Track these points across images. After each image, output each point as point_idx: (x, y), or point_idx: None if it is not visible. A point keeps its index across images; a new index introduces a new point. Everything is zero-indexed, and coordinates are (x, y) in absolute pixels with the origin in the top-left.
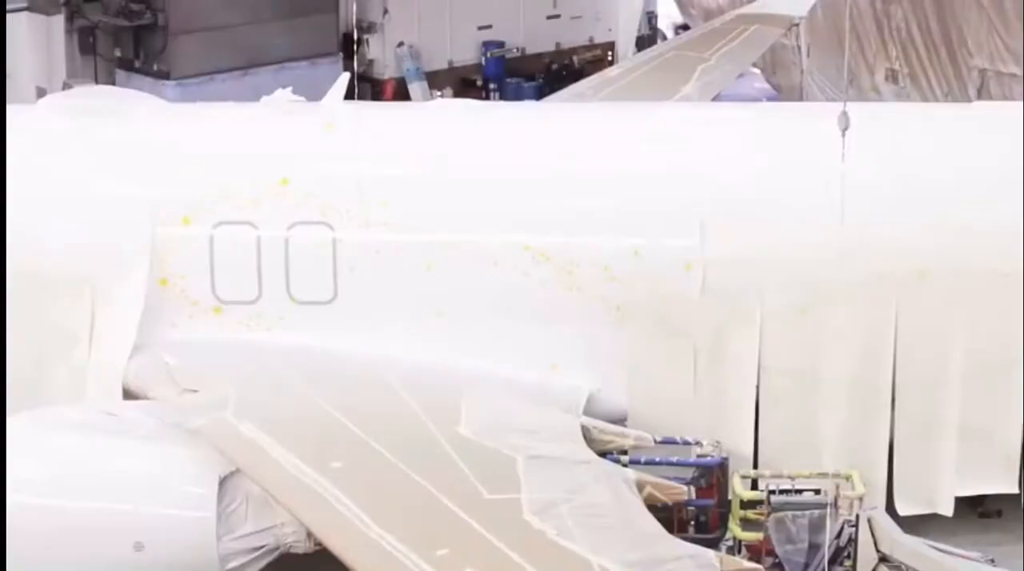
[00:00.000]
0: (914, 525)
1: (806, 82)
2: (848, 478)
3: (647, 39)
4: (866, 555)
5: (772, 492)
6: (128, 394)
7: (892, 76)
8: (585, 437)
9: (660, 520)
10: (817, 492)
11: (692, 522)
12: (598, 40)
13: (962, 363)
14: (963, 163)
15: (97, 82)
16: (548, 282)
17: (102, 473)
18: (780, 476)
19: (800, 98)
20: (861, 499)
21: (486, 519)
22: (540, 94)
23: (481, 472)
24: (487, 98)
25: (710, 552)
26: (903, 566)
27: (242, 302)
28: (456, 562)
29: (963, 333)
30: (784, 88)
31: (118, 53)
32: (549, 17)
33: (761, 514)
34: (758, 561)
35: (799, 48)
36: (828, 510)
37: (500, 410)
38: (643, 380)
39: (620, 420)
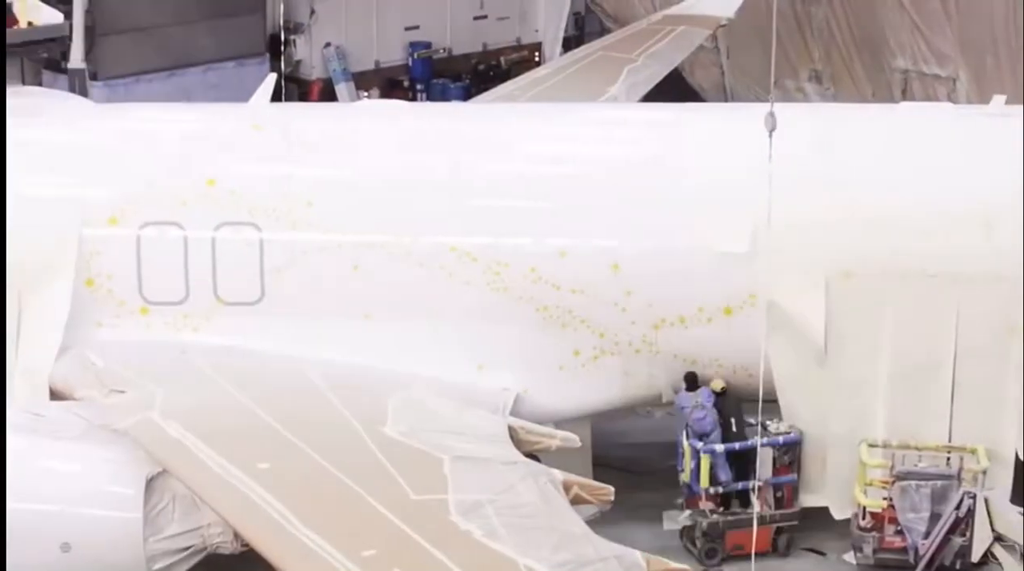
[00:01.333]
0: None
1: (729, 82)
2: (973, 452)
3: (574, 40)
4: (983, 533)
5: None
6: (55, 395)
7: (816, 77)
8: (512, 438)
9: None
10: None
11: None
12: (525, 41)
13: (889, 363)
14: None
15: (24, 83)
16: (475, 283)
17: (29, 474)
18: (907, 447)
19: (723, 99)
20: (984, 472)
21: (413, 519)
22: (467, 95)
23: (408, 473)
24: (414, 99)
25: (636, 553)
26: (1017, 546)
27: (169, 303)
28: (383, 562)
29: (889, 333)
30: (705, 89)
31: (45, 54)
32: (476, 18)
33: (887, 482)
34: (881, 528)
35: (719, 49)
36: (952, 482)
37: (427, 411)
38: (570, 379)
39: (547, 420)
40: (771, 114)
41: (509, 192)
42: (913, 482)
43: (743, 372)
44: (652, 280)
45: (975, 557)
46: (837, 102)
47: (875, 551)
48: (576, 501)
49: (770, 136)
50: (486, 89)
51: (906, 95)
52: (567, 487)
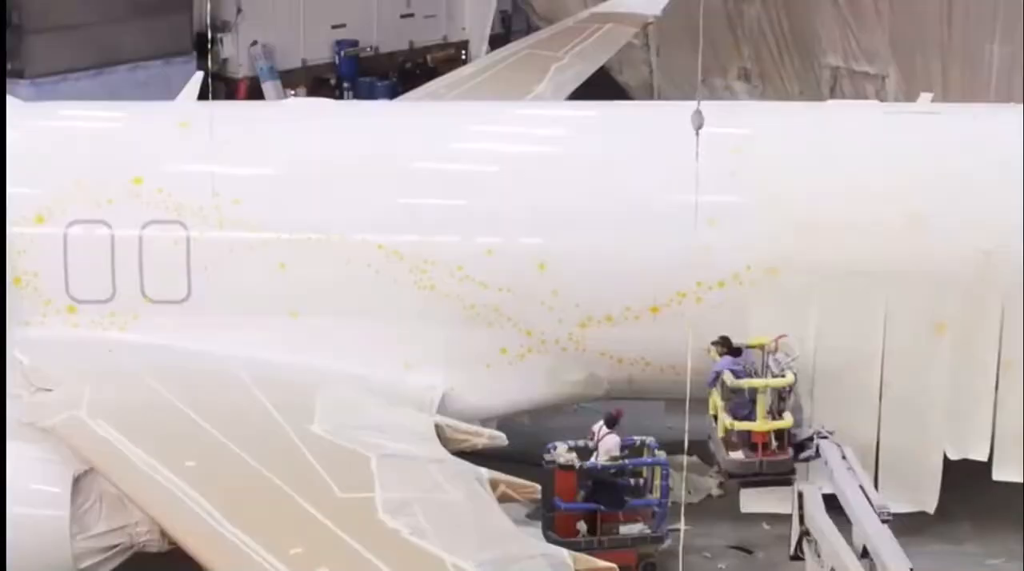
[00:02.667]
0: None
1: (657, 81)
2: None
3: (500, 38)
4: (795, 525)
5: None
6: None
7: (744, 75)
8: (439, 436)
9: None
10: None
11: None
12: (452, 39)
13: (812, 360)
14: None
15: None
16: (402, 281)
17: None
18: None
19: (651, 96)
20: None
21: (340, 518)
22: (394, 93)
23: (335, 471)
24: (341, 97)
25: (563, 551)
26: (816, 543)
27: (96, 301)
28: (310, 560)
29: (814, 330)
30: (633, 87)
31: None
32: (403, 16)
33: None
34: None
35: (648, 47)
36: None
37: (354, 409)
38: (498, 377)
39: (475, 418)
40: (698, 112)
41: (436, 190)
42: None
43: (670, 370)
44: (579, 279)
45: (791, 549)
46: (765, 99)
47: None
48: (503, 499)
49: (697, 134)
50: (413, 87)
51: (835, 92)
52: (494, 485)
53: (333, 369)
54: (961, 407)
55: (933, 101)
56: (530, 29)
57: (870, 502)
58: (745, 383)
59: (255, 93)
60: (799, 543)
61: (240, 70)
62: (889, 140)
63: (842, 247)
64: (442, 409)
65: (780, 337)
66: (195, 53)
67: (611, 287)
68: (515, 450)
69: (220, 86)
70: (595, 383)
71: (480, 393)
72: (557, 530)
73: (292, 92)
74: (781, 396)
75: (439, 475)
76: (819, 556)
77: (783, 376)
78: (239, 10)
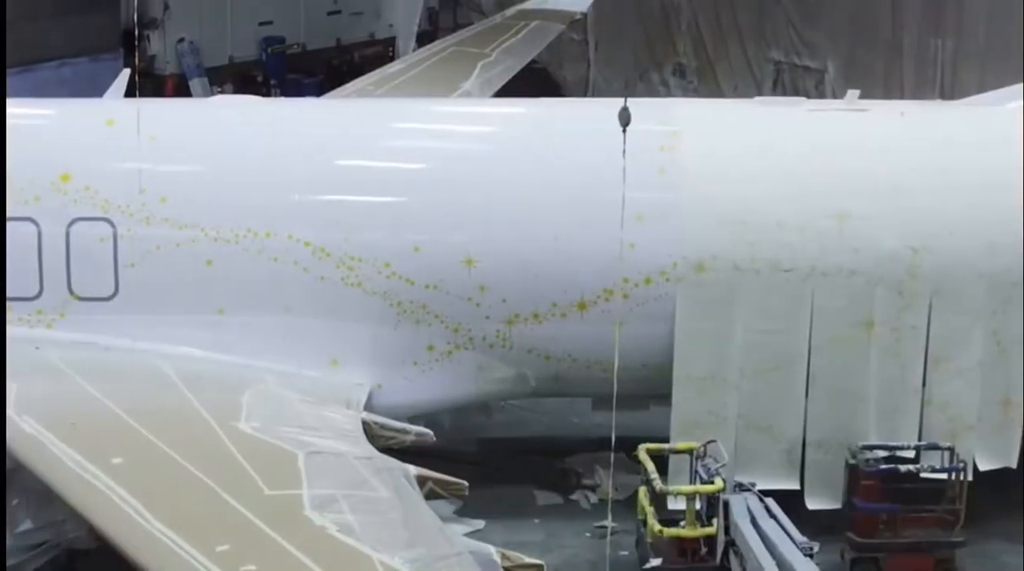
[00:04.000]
0: None
1: (593, 76)
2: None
3: (428, 35)
4: (720, 534)
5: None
6: None
7: (680, 70)
8: (367, 433)
9: None
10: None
11: None
12: (379, 36)
13: (739, 357)
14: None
15: None
16: (329, 278)
17: None
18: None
19: (586, 93)
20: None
21: (267, 515)
22: (321, 90)
23: (262, 468)
24: (268, 94)
25: (490, 547)
26: (741, 555)
27: (23, 298)
28: (237, 558)
29: (741, 328)
30: (571, 83)
31: None
32: (330, 13)
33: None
34: None
35: (587, 42)
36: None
37: (281, 406)
38: (424, 374)
39: (402, 415)
40: (625, 109)
41: (363, 187)
42: None
43: (597, 368)
44: (506, 276)
45: (717, 559)
46: (699, 96)
47: None
48: (431, 496)
49: (624, 131)
50: (340, 84)
51: (777, 87)
52: (421, 482)
53: (260, 366)
54: (889, 404)
55: (879, 98)
56: (457, 26)
57: (793, 542)
58: (674, 489)
59: (182, 90)
60: (725, 553)
61: (167, 67)
62: (816, 137)
63: (769, 245)
64: (369, 406)
65: (709, 442)
66: (122, 50)
67: (538, 284)
68: (443, 447)
69: (147, 83)
70: (522, 380)
71: (407, 390)
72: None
73: (219, 89)
74: (710, 502)
75: (366, 472)
76: (743, 568)
77: (711, 483)
78: (166, 7)
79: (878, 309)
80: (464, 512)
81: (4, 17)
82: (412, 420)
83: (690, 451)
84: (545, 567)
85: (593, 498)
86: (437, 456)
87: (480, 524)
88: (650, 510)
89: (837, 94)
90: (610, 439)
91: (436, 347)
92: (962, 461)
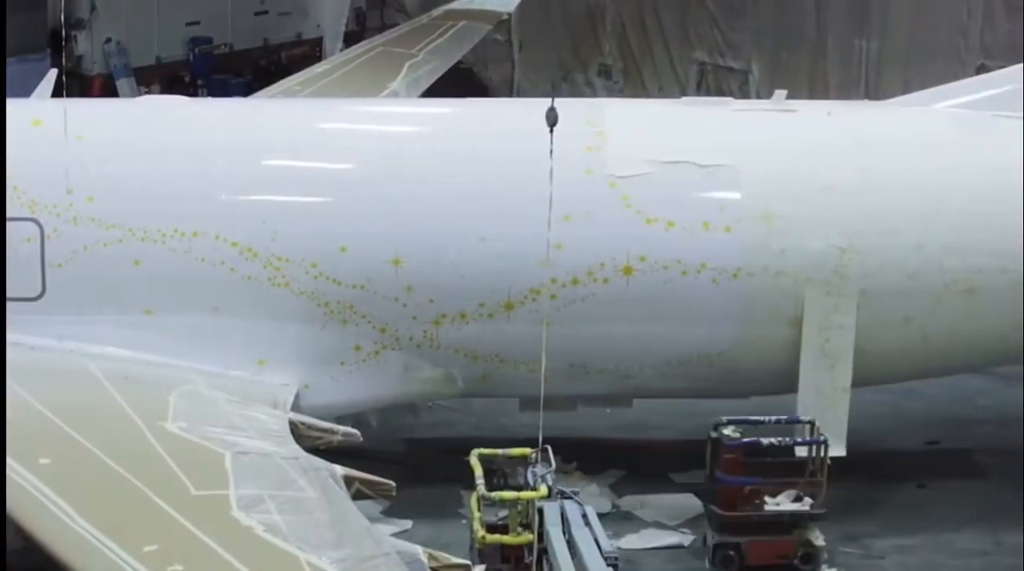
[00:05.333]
0: None
1: (518, 77)
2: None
3: (355, 35)
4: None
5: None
6: None
7: (605, 71)
8: (294, 433)
9: None
10: None
11: None
12: (306, 36)
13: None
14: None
15: None
16: (256, 278)
17: None
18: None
19: (511, 93)
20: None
21: (194, 515)
22: (248, 90)
23: (189, 468)
24: (195, 94)
25: (417, 548)
26: (553, 562)
27: None
28: (164, 558)
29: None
30: (496, 83)
31: None
32: (257, 13)
33: None
34: None
35: (512, 43)
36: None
37: (208, 406)
38: (351, 374)
39: (329, 415)
40: (552, 109)
41: (290, 187)
42: None
43: (524, 368)
44: (433, 276)
45: (533, 567)
46: (624, 97)
47: None
48: (358, 496)
49: (551, 131)
50: (267, 84)
51: (701, 88)
52: (348, 482)
53: (187, 366)
54: (817, 403)
55: (804, 98)
56: (384, 26)
57: (600, 550)
58: (496, 495)
59: (109, 90)
60: (540, 560)
61: (94, 67)
62: (742, 137)
63: (696, 244)
64: (296, 406)
65: (542, 449)
66: (49, 51)
67: (465, 284)
68: (370, 447)
69: (74, 83)
70: (449, 381)
71: (334, 390)
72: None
73: (146, 89)
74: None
75: (293, 472)
76: None
77: (535, 490)
78: (93, 8)
79: (805, 308)
80: (391, 512)
81: (4, 17)
82: (339, 420)
83: (524, 457)
84: (472, 567)
85: None
86: (364, 456)
87: (407, 524)
88: (477, 515)
89: (761, 95)
90: (537, 440)
91: (363, 347)
92: (823, 435)
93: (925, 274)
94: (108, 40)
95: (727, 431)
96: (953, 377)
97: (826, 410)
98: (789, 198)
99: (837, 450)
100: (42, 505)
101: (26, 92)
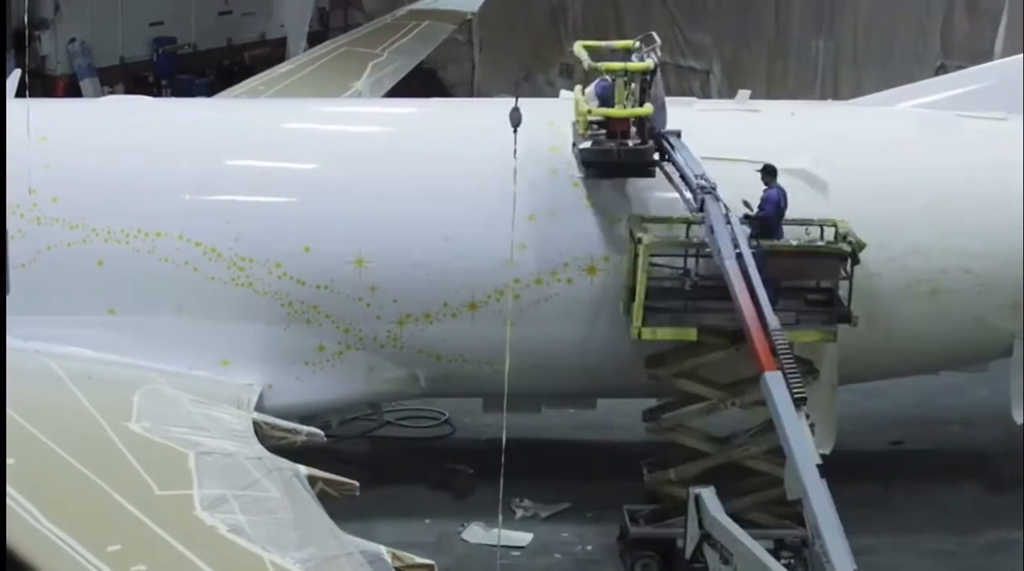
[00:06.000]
0: None
1: (478, 78)
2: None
3: (319, 35)
4: (692, 530)
5: None
6: None
7: (567, 71)
8: (257, 433)
9: None
10: None
11: None
12: (270, 37)
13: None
14: None
15: None
16: (220, 278)
17: None
18: None
19: (471, 94)
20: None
21: (158, 515)
22: (212, 91)
23: (153, 468)
24: (159, 95)
25: (381, 547)
26: (720, 545)
27: None
28: (128, 558)
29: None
30: (456, 84)
31: None
32: (221, 13)
33: None
34: None
35: (472, 44)
36: None
37: (172, 406)
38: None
39: (293, 415)
40: (516, 109)
41: (254, 188)
42: None
43: (488, 367)
44: (397, 276)
45: (687, 554)
46: None
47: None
48: (322, 496)
49: (515, 131)
50: (231, 85)
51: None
52: (312, 482)
53: (151, 367)
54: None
55: (760, 98)
56: (348, 26)
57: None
58: (603, 66)
59: (73, 91)
60: (698, 548)
61: (58, 67)
62: (708, 137)
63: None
64: (260, 406)
65: (644, 37)
66: (13, 51)
67: (429, 284)
68: (333, 447)
69: (38, 84)
70: (413, 381)
71: (298, 390)
72: None
73: (110, 90)
74: (643, 88)
75: (257, 472)
76: (727, 562)
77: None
78: (57, 8)
79: None
80: (355, 512)
81: (4, 17)
82: (303, 420)
83: (627, 49)
84: (436, 567)
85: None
86: (328, 456)
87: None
88: (583, 95)
89: (722, 95)
90: (500, 440)
91: (327, 347)
92: None
93: (888, 274)
94: (72, 40)
95: None
96: (917, 377)
97: (813, 408)
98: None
99: (825, 448)
100: (7, 506)
101: None
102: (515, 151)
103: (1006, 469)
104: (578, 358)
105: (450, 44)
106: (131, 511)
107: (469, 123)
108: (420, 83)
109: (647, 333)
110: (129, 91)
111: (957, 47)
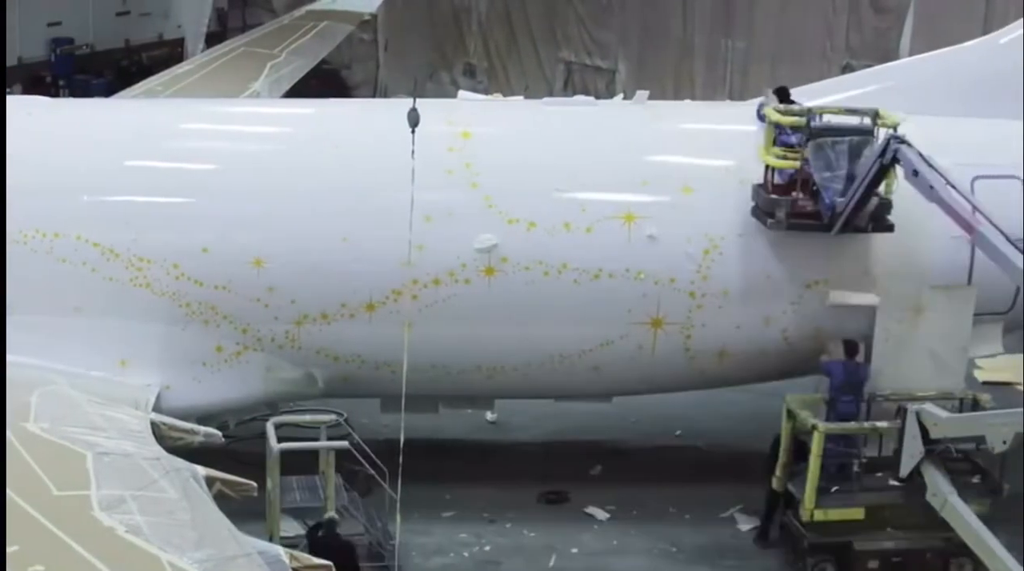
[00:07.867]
0: None
1: (383, 77)
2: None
3: (217, 36)
4: (912, 448)
5: (812, 118)
6: None
7: (470, 70)
8: (155, 434)
9: None
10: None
11: None
12: (168, 37)
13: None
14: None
15: None
16: (117, 279)
17: None
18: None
19: (375, 93)
20: (897, 126)
21: (55, 516)
22: (110, 91)
23: (50, 469)
24: (56, 95)
25: (279, 548)
26: (951, 446)
27: None
28: (25, 559)
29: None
30: (360, 83)
31: None
32: (119, 14)
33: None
34: (790, 191)
35: (376, 43)
36: (868, 138)
37: (70, 406)
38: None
39: (191, 416)
40: (414, 109)
41: (151, 188)
42: (829, 139)
43: (385, 369)
44: (294, 276)
45: (903, 472)
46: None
47: (788, 216)
48: (219, 496)
49: (413, 132)
50: (129, 85)
51: (568, 87)
52: (210, 482)
53: (49, 367)
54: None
55: (670, 98)
56: (246, 27)
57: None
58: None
59: None
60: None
61: None
62: (605, 137)
63: (556, 244)
64: (158, 407)
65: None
66: None
67: (327, 285)
68: (231, 448)
69: None
70: (311, 381)
71: (196, 391)
72: None
73: (8, 90)
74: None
75: (155, 473)
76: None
77: None
78: None
79: (665, 308)
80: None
81: (4, 17)
82: (201, 421)
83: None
84: (333, 568)
85: None
86: (226, 457)
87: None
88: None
89: (628, 94)
90: (398, 440)
91: (225, 348)
92: None
93: (786, 277)
94: None
95: None
96: (815, 377)
97: None
98: (652, 198)
99: None
100: None
101: None
102: (413, 152)
103: None
104: (476, 359)
105: (355, 43)
106: (29, 512)
107: (369, 123)
108: (320, 83)
109: (819, 515)
110: (27, 91)
111: (864, 46)
